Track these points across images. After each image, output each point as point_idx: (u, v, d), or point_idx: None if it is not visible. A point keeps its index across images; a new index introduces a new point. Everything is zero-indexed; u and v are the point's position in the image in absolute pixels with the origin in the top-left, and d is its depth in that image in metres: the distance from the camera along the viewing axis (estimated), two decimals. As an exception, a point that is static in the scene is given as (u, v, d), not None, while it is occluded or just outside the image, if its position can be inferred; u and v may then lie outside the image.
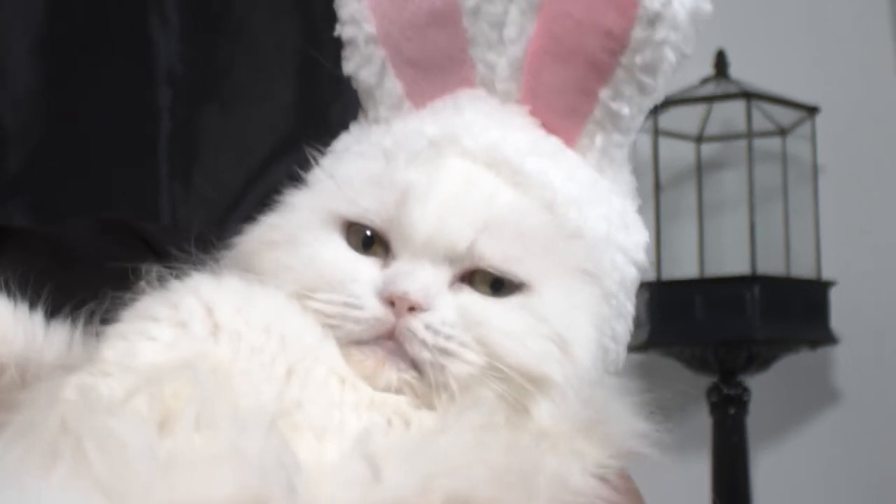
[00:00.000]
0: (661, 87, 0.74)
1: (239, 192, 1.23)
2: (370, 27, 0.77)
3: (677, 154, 2.32)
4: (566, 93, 0.74)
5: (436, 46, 0.77)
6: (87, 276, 0.95)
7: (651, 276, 2.22)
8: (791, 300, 2.15)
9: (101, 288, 0.72)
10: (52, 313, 0.74)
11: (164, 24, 1.22)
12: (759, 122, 2.24)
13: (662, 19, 0.70)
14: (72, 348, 0.72)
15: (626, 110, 0.73)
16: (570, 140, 0.75)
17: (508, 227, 0.70)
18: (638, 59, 0.71)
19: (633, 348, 2.13)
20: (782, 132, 2.29)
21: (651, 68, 0.72)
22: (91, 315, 0.71)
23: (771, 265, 2.19)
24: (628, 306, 0.76)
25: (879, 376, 2.32)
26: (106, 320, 0.69)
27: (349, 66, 0.79)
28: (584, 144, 0.75)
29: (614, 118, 0.74)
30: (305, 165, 0.78)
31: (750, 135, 2.21)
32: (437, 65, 0.77)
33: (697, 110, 2.28)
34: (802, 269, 2.23)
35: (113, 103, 1.19)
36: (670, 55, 0.71)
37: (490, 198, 0.71)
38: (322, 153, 0.79)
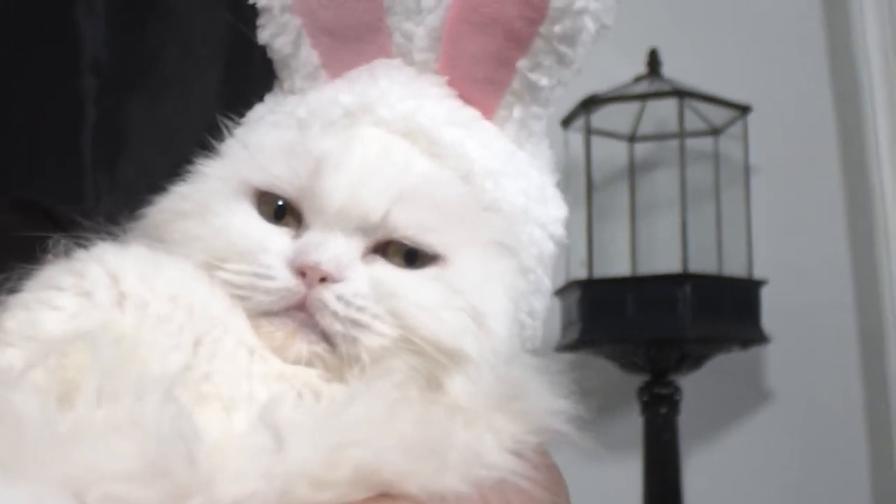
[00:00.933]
0: (581, 58, 0.72)
1: (165, 181, 1.22)
2: None
3: (610, 153, 2.33)
4: (484, 62, 0.73)
5: (352, 15, 0.75)
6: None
7: (583, 274, 2.22)
8: (722, 299, 2.16)
9: (6, 261, 0.70)
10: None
11: (90, 11, 1.20)
12: (692, 122, 2.25)
13: None
14: None
15: (544, 81, 0.72)
16: (487, 111, 0.74)
17: (423, 197, 0.68)
18: (557, 29, 0.70)
19: (564, 347, 2.14)
20: (715, 132, 2.30)
21: (570, 38, 0.70)
22: None
23: (703, 264, 2.19)
24: (546, 281, 0.75)
25: (810, 376, 2.33)
26: (13, 291, 0.67)
27: (264, 35, 0.77)
28: (503, 116, 0.74)
29: (532, 89, 0.73)
30: (220, 136, 0.76)
31: (682, 134, 2.21)
32: (354, 34, 0.76)
33: (630, 109, 2.29)
34: (734, 268, 2.24)
35: (36, 91, 1.17)
36: (590, 24, 0.70)
37: (405, 167, 0.69)
38: (237, 123, 0.77)
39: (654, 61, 2.28)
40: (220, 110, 1.28)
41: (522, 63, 0.72)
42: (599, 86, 2.20)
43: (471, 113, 0.74)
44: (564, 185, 0.78)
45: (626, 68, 2.25)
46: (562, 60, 0.72)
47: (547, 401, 0.68)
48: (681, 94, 2.18)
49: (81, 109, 1.16)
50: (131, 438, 0.54)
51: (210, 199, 0.70)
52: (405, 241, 0.67)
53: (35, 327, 0.62)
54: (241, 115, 0.87)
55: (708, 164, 2.29)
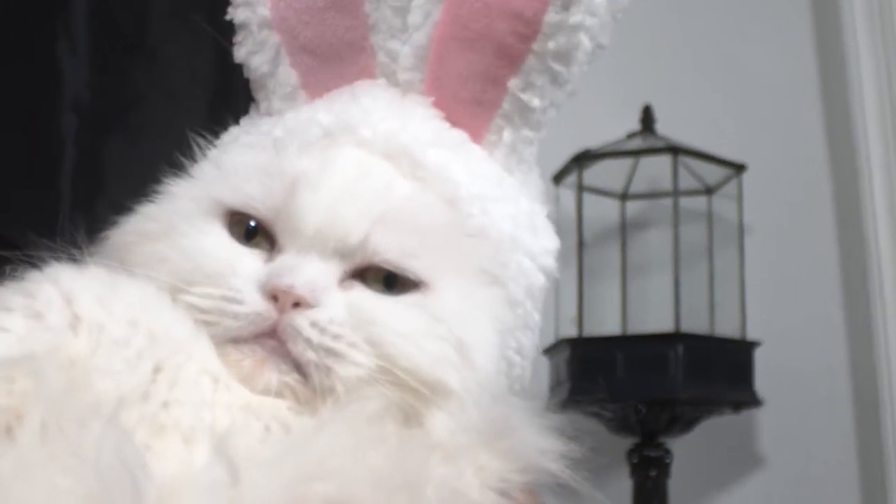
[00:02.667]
0: (575, 78, 0.69)
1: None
2: (264, 10, 0.72)
3: (602, 211, 2.29)
4: (472, 82, 0.69)
5: (335, 33, 0.72)
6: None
7: (573, 332, 2.17)
8: (715, 360, 2.11)
9: None
10: None
11: (73, 51, 1.19)
12: (686, 180, 2.21)
13: (578, 2, 0.66)
14: None
15: (536, 102, 0.68)
16: (476, 135, 0.70)
17: (405, 220, 0.65)
18: (550, 45, 0.67)
19: (552, 408, 2.09)
20: (708, 191, 2.27)
21: (564, 55, 0.67)
22: None
23: (695, 324, 2.15)
24: (535, 317, 0.70)
25: (803, 440, 2.28)
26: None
27: (241, 53, 0.74)
28: (492, 141, 0.70)
29: (524, 111, 0.69)
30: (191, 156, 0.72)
31: (676, 193, 2.18)
32: (336, 52, 0.72)
33: (623, 165, 2.25)
34: (727, 328, 2.19)
35: (16, 128, 1.15)
36: (585, 41, 0.67)
37: (387, 189, 0.66)
38: (210, 146, 0.73)
39: (647, 118, 2.25)
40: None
41: (513, 82, 0.68)
42: (592, 141, 2.16)
43: (458, 135, 0.70)
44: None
45: (619, 124, 2.22)
46: (555, 80, 0.68)
47: (536, 439, 0.64)
48: (675, 150, 2.15)
49: (62, 148, 1.15)
50: (72, 473, 0.50)
51: (178, 219, 0.66)
52: (385, 266, 0.63)
53: None
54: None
55: (701, 223, 2.25)
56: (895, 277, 2.17)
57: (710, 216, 2.26)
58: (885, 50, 2.22)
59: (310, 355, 0.60)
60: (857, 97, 2.22)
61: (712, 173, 2.23)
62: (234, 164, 0.68)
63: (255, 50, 0.73)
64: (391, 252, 0.63)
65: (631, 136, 2.24)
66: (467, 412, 0.62)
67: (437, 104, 0.70)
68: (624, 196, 2.30)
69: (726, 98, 2.39)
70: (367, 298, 0.63)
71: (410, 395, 0.61)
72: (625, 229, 2.29)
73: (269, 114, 0.73)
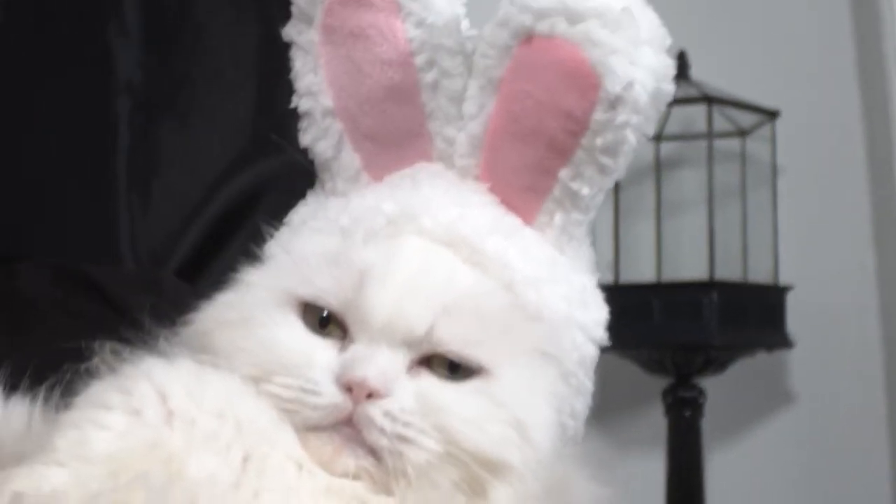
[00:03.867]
0: (622, 167, 0.73)
1: (196, 205, 1.23)
2: (327, 100, 0.77)
3: (636, 152, 2.31)
4: (525, 171, 0.74)
5: (394, 121, 0.76)
6: (42, 330, 0.94)
7: (609, 278, 2.22)
8: (748, 306, 2.16)
9: (56, 342, 0.71)
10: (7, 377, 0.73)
11: (124, 32, 1.20)
12: (720, 123, 2.24)
13: (624, 102, 0.70)
14: (31, 427, 0.70)
15: (585, 190, 0.73)
16: (528, 217, 0.75)
17: (467, 310, 0.69)
18: (598, 142, 0.71)
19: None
20: (742, 133, 2.29)
21: (612, 150, 0.72)
22: (51, 389, 0.70)
23: (728, 270, 2.19)
24: (587, 383, 0.76)
25: (833, 379, 2.33)
26: (66, 392, 0.68)
27: (306, 139, 0.79)
28: (543, 222, 0.75)
29: (574, 197, 0.74)
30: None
31: (710, 135, 2.21)
32: (395, 139, 0.77)
33: (658, 110, 2.28)
34: (760, 274, 2.24)
35: (70, 113, 1.18)
36: (631, 137, 0.71)
37: (448, 280, 0.70)
38: (277, 227, 0.78)
39: (682, 63, 2.27)
40: (251, 135, 1.29)
41: (564, 172, 0.73)
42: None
43: (513, 221, 0.74)
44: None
45: (653, 70, 2.24)
46: (603, 171, 0.73)
47: (591, 490, 0.70)
48: (709, 99, 2.17)
49: (116, 130, 1.17)
50: None
51: (255, 309, 0.70)
52: (449, 356, 0.68)
53: (85, 447, 0.62)
54: (274, 142, 0.88)
55: (735, 164, 2.28)
56: (926, 220, 2.20)
57: (743, 158, 2.29)
58: (919, -5, 2.22)
59: (383, 442, 0.65)
60: (891, 43, 2.22)
61: (746, 118, 2.26)
62: (305, 252, 0.72)
63: (319, 136, 0.78)
64: (454, 342, 0.68)
65: (666, 81, 2.25)
66: (527, 484, 0.68)
67: (493, 189, 0.75)
68: (658, 137, 2.33)
69: (760, 44, 2.40)
70: (433, 386, 0.68)
71: (473, 474, 0.66)
72: (659, 170, 2.32)
73: (334, 193, 0.78)
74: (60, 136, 1.18)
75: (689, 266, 2.22)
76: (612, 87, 0.69)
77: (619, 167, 0.73)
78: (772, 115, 2.24)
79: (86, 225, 1.18)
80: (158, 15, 1.25)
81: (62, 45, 1.20)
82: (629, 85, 0.70)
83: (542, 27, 0.71)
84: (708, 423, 2.19)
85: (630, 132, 0.71)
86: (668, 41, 0.73)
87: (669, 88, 0.72)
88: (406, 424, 0.66)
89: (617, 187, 2.23)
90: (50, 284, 1.02)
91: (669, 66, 0.73)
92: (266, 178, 1.25)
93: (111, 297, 1.00)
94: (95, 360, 0.70)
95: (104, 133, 1.20)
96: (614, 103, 0.70)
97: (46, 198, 1.17)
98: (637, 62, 0.70)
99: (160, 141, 1.23)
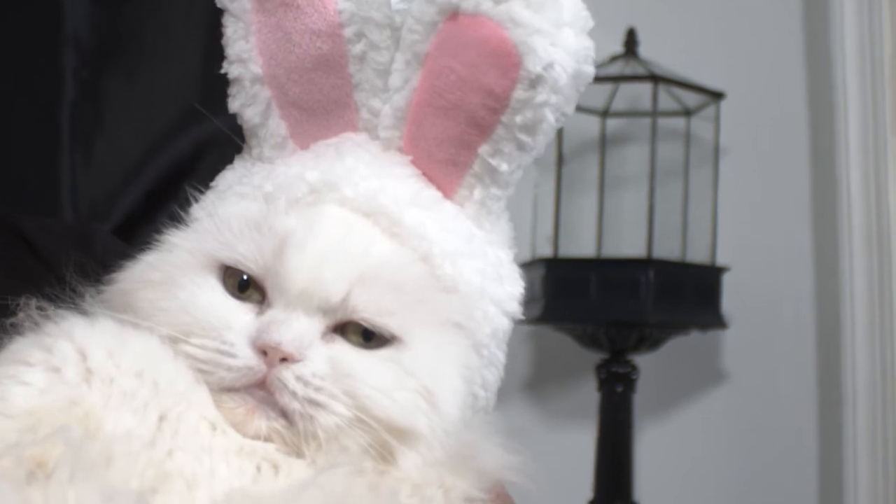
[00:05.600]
0: (541, 145, 0.75)
1: (140, 161, 1.22)
2: (256, 67, 0.78)
3: (582, 127, 2.34)
4: (447, 145, 0.75)
5: (321, 90, 0.77)
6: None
7: (548, 252, 2.25)
8: (684, 284, 2.20)
9: None
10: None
11: None
12: (665, 102, 2.27)
13: (544, 82, 0.71)
14: None
15: (504, 167, 0.75)
16: (448, 190, 0.77)
17: (383, 279, 0.71)
18: (518, 119, 0.73)
19: (525, 321, 2.19)
20: (687, 113, 2.32)
21: (531, 128, 0.73)
22: None
23: (667, 248, 2.23)
24: (499, 355, 0.78)
25: (766, 361, 2.38)
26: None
27: (234, 104, 0.80)
28: (463, 195, 0.77)
29: (493, 173, 0.75)
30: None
31: (655, 114, 2.24)
32: (322, 108, 0.78)
33: (605, 86, 2.30)
34: (698, 254, 2.27)
35: (14, 65, 1.17)
36: (550, 116, 0.73)
37: (366, 250, 0.72)
38: (202, 191, 0.79)
39: (631, 40, 2.29)
40: (199, 89, 1.29)
41: (484, 148, 0.74)
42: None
43: (432, 194, 0.76)
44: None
45: (602, 45, 2.25)
46: (522, 147, 0.74)
47: (499, 456, 0.72)
48: (656, 78, 2.20)
49: (61, 83, 1.17)
50: None
51: (176, 270, 0.72)
52: (364, 323, 0.70)
53: (4, 402, 0.64)
54: (221, 98, 0.89)
55: (678, 143, 2.32)
56: (863, 206, 2.23)
57: (687, 137, 2.32)
58: (865, -18, 2.25)
59: (295, 405, 0.67)
60: (837, 29, 2.25)
61: (692, 98, 2.28)
62: (228, 217, 0.74)
63: (247, 103, 0.79)
64: (369, 310, 0.70)
65: (614, 58, 2.28)
66: (435, 451, 0.70)
67: (415, 162, 0.77)
68: (604, 113, 2.35)
69: (709, 25, 2.43)
70: (346, 353, 0.70)
71: (382, 441, 0.68)
72: (604, 145, 2.35)
73: (261, 160, 0.79)
74: (4, 87, 1.18)
75: (628, 243, 2.25)
76: (533, 66, 0.71)
77: (537, 145, 0.74)
78: (717, 96, 2.27)
79: (27, 177, 1.18)
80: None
81: (9, -4, 1.19)
82: (549, 65, 0.71)
83: (468, 5, 0.72)
84: (639, 399, 2.23)
85: (549, 111, 0.72)
86: (591, 24, 0.74)
87: (589, 70, 0.74)
88: (318, 389, 0.68)
89: (560, 161, 2.25)
90: None
91: (590, 49, 0.74)
92: (210, 138, 1.25)
93: (41, 252, 1.00)
94: (21, 316, 0.71)
95: (49, 86, 1.19)
96: (534, 83, 0.71)
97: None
98: (558, 43, 0.71)
99: (106, 95, 1.22)
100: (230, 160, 0.83)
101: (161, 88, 1.23)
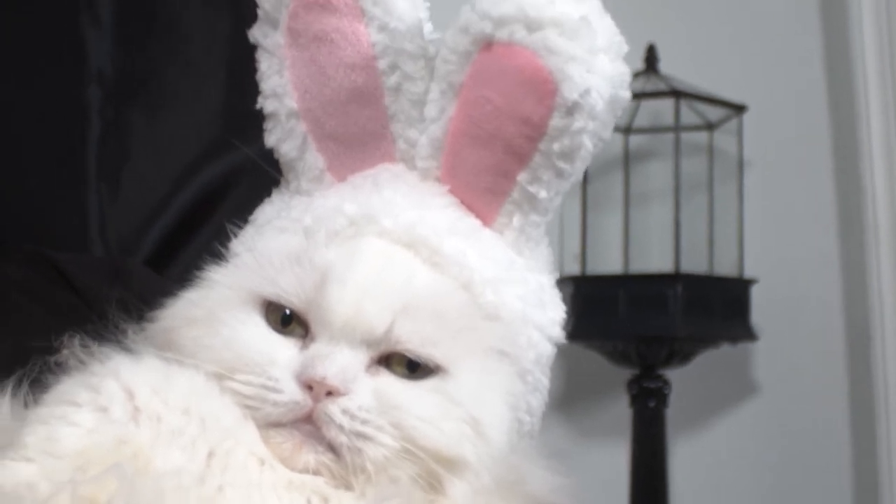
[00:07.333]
0: (579, 171, 0.75)
1: (166, 194, 1.23)
2: (291, 102, 0.78)
3: (605, 145, 2.33)
4: (485, 174, 0.76)
5: (357, 122, 0.78)
6: (16, 320, 0.95)
7: (576, 270, 2.24)
8: (713, 298, 2.19)
9: (29, 332, 0.72)
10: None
11: (96, 23, 1.21)
12: (687, 117, 2.27)
13: (581, 109, 0.72)
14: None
15: (543, 194, 0.75)
16: (487, 218, 0.77)
17: (425, 309, 0.71)
18: (556, 147, 0.73)
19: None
20: (709, 127, 2.32)
21: (568, 155, 0.73)
22: (20, 382, 0.71)
23: (694, 262, 2.22)
24: (543, 381, 0.78)
25: (796, 372, 2.37)
26: (35, 385, 0.69)
27: (271, 139, 0.80)
28: (502, 223, 0.77)
29: (532, 200, 0.75)
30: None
31: (678, 128, 2.24)
32: (359, 140, 0.78)
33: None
34: (725, 267, 2.27)
35: (41, 102, 1.18)
36: (588, 143, 0.73)
37: (407, 280, 0.72)
38: (241, 225, 0.80)
39: (651, 57, 2.29)
40: (222, 124, 1.30)
41: (522, 176, 0.75)
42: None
43: (471, 222, 0.76)
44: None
45: (623, 62, 2.26)
46: (560, 174, 0.75)
47: (546, 480, 0.72)
48: (677, 93, 2.20)
49: (87, 119, 1.18)
50: None
51: (218, 307, 0.72)
52: (408, 354, 0.70)
53: (54, 443, 0.64)
54: (244, 132, 0.89)
55: (702, 158, 2.31)
56: (889, 214, 2.22)
57: (710, 151, 2.31)
58: (886, -9, 2.25)
59: (342, 439, 0.67)
60: (858, 38, 2.25)
61: (713, 112, 2.28)
62: (268, 252, 0.74)
63: (283, 137, 0.79)
64: (413, 341, 0.70)
65: (635, 75, 2.28)
66: (483, 478, 0.70)
67: (453, 191, 0.77)
68: (627, 130, 2.35)
69: (728, 38, 2.42)
70: (391, 385, 0.70)
71: (429, 470, 0.68)
72: (628, 162, 2.34)
73: (298, 192, 0.80)
74: (32, 125, 1.19)
75: (655, 258, 2.25)
76: (570, 93, 0.71)
77: (576, 171, 0.75)
78: (739, 109, 2.27)
79: (56, 213, 1.19)
80: (131, 5, 1.25)
81: (35, 35, 1.20)
82: (586, 92, 0.71)
83: (502, 34, 0.72)
84: (672, 414, 2.22)
85: (586, 138, 0.73)
86: (625, 49, 0.74)
87: (626, 95, 0.74)
88: (364, 422, 0.68)
89: (585, 179, 2.25)
90: (22, 271, 1.03)
91: (625, 74, 0.74)
92: (235, 170, 1.26)
93: (80, 288, 1.01)
94: (65, 354, 0.71)
95: (75, 122, 1.20)
96: (571, 110, 0.71)
97: (17, 186, 1.18)
98: (594, 70, 0.72)
99: (131, 130, 1.23)
100: (257, 191, 0.84)
101: (185, 122, 1.25)
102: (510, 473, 0.71)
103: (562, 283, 2.20)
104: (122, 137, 1.22)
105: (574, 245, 2.25)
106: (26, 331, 0.74)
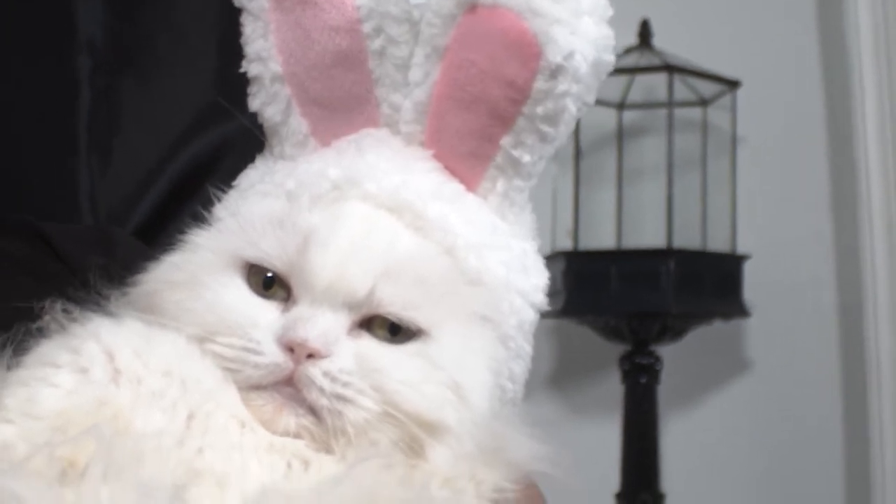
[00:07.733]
0: (563, 135, 0.75)
1: (157, 165, 1.23)
2: (276, 66, 0.78)
3: (598, 120, 2.34)
4: (469, 138, 0.75)
5: (341, 86, 0.77)
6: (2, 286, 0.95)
7: (568, 245, 2.24)
8: (705, 274, 2.19)
9: (14, 299, 0.72)
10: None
11: None
12: (681, 92, 2.26)
13: (564, 72, 0.71)
14: None
15: (526, 158, 0.75)
16: (471, 183, 0.77)
17: (408, 273, 0.71)
18: (539, 110, 0.72)
19: (547, 315, 2.19)
20: (703, 103, 2.32)
21: (552, 119, 0.73)
22: (2, 347, 0.71)
23: (687, 238, 2.22)
24: (526, 347, 0.78)
25: (789, 348, 2.37)
26: (18, 351, 0.69)
27: (255, 103, 0.80)
28: (486, 188, 0.77)
29: (515, 165, 0.75)
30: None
31: (671, 104, 2.23)
32: (343, 104, 0.78)
33: (620, 78, 2.30)
34: (718, 243, 2.27)
35: (30, 71, 1.18)
36: (571, 106, 0.73)
37: (390, 244, 0.72)
38: (225, 190, 0.79)
39: (645, 32, 2.29)
40: (213, 95, 1.29)
41: (506, 140, 0.74)
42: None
43: (455, 187, 0.76)
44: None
45: (616, 38, 2.25)
46: (544, 138, 0.74)
47: (529, 448, 0.71)
48: (671, 68, 2.19)
49: (77, 89, 1.17)
50: None
51: (201, 270, 0.72)
52: (390, 317, 0.70)
53: (34, 405, 0.64)
54: (235, 103, 0.89)
55: (695, 133, 2.31)
56: (882, 190, 2.22)
57: (704, 127, 2.31)
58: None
59: (323, 401, 0.67)
60: (852, 14, 2.24)
61: (707, 87, 2.28)
62: (251, 216, 0.74)
63: (267, 101, 0.79)
64: (395, 304, 0.70)
65: (628, 50, 2.28)
66: (464, 444, 0.70)
67: (437, 156, 0.76)
68: (621, 106, 2.35)
69: (722, 14, 2.42)
70: (373, 348, 0.70)
71: (411, 434, 0.68)
72: (621, 138, 2.34)
73: (282, 157, 0.79)
74: (21, 94, 1.18)
75: (647, 234, 2.25)
76: (553, 56, 0.71)
77: (559, 135, 0.74)
78: (733, 84, 2.27)
79: (46, 183, 1.18)
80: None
81: (23, 3, 1.19)
82: (570, 55, 0.71)
83: None
84: (664, 390, 2.23)
85: (570, 101, 0.72)
86: (609, 12, 0.74)
87: (610, 59, 0.74)
88: (345, 384, 0.68)
89: (578, 155, 2.25)
90: (7, 240, 1.02)
91: (610, 37, 0.74)
92: (227, 140, 1.25)
93: (64, 255, 1.00)
94: (47, 319, 0.71)
95: (65, 92, 1.19)
96: (555, 73, 0.71)
97: (6, 156, 1.17)
98: (578, 32, 0.71)
99: (121, 100, 1.22)
100: (248, 161, 0.84)
101: (176, 92, 1.24)
102: (493, 440, 0.71)
103: (554, 258, 2.22)
104: (112, 107, 1.21)
105: (567, 220, 2.25)
106: (10, 297, 0.73)
